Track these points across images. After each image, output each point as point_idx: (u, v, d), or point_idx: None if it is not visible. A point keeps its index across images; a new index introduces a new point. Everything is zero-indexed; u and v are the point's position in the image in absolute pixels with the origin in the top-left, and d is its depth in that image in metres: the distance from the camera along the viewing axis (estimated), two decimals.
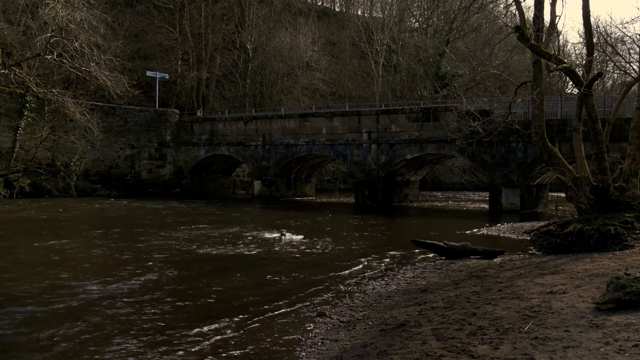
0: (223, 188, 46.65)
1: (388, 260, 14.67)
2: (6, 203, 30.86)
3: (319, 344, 7.53)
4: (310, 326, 8.47)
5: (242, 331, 8.26)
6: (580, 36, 61.75)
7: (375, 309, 9.27)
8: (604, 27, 42.30)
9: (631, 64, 20.24)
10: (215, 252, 15.70)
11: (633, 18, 52.63)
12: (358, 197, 36.55)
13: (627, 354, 5.20)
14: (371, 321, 8.42)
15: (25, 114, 35.94)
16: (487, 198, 33.37)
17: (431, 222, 25.71)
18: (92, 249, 15.95)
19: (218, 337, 7.96)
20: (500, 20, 41.05)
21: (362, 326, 8.19)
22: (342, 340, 7.55)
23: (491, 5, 49.20)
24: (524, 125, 23.17)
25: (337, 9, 74.17)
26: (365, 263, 14.15)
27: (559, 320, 6.67)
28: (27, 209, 27.67)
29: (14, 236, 19.00)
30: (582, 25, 46.12)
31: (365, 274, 12.71)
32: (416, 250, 15.70)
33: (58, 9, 31.67)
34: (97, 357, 7.21)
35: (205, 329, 8.34)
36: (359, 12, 69.10)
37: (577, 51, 55.43)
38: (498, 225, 23.45)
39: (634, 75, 18.85)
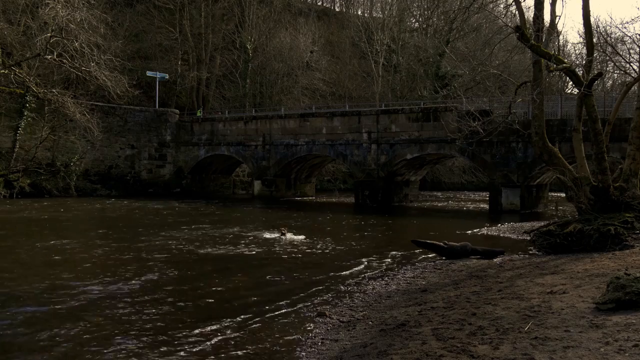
0: (223, 188, 46.66)
1: (388, 260, 14.67)
2: (6, 203, 30.87)
3: (319, 344, 7.53)
4: (310, 326, 8.47)
5: (242, 331, 8.27)
6: (580, 36, 61.78)
7: (375, 309, 9.28)
8: (604, 27, 42.34)
9: (631, 64, 20.25)
10: (215, 252, 15.71)
11: (633, 18, 52.70)
12: (358, 197, 36.56)
13: (627, 354, 5.20)
14: (371, 321, 8.43)
15: (25, 114, 35.95)
16: (487, 198, 33.38)
17: (431, 222, 25.72)
18: (92, 249, 15.96)
19: (218, 337, 7.96)
20: (500, 20, 41.10)
21: (362, 326, 8.20)
22: (342, 340, 7.56)
23: (491, 5, 49.25)
24: (524, 125, 23.18)
25: (337, 9, 74.18)
26: (366, 263, 14.16)
27: (559, 320, 6.68)
28: (28, 209, 27.67)
29: (14, 236, 19.00)
30: (582, 25, 46.14)
31: (365, 274, 12.72)
32: (416, 250, 15.71)
33: (58, 9, 31.69)
34: (98, 357, 7.21)
35: (206, 329, 8.35)
36: (359, 12, 69.13)
37: (577, 51, 55.50)
38: (498, 225, 23.45)
39: (634, 75, 18.85)
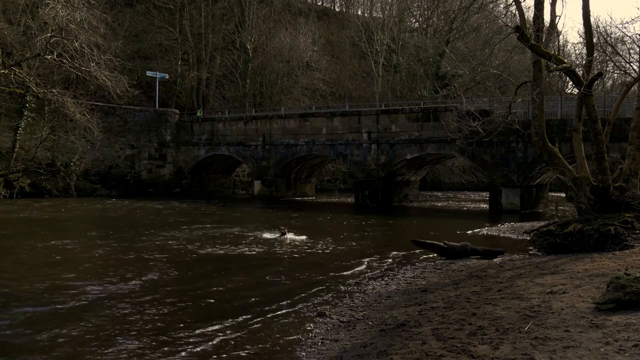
0: (223, 188, 46.66)
1: (388, 260, 14.68)
2: (6, 203, 30.87)
3: (319, 344, 7.54)
4: (311, 326, 8.48)
5: (242, 331, 8.28)
6: (580, 36, 61.78)
7: (375, 309, 9.29)
8: (604, 27, 42.34)
9: (631, 64, 20.25)
10: (216, 252, 15.72)
11: (633, 18, 52.68)
12: (358, 197, 36.57)
13: (627, 354, 5.21)
14: (371, 321, 8.44)
15: (25, 114, 35.96)
16: (487, 198, 33.38)
17: (431, 222, 25.73)
18: (93, 249, 15.96)
19: (219, 338, 7.97)
20: (500, 20, 41.10)
21: (362, 326, 8.21)
22: (342, 340, 7.57)
23: (491, 5, 49.24)
24: (524, 125, 23.18)
25: (337, 9, 74.19)
26: (366, 263, 14.16)
27: (559, 320, 6.69)
28: (28, 209, 27.67)
29: (15, 236, 19.01)
30: (582, 25, 46.14)
31: (366, 274, 12.72)
32: (416, 251, 15.72)
33: (58, 9, 31.69)
34: (98, 358, 7.22)
35: (206, 329, 8.36)
36: (359, 12, 69.14)
37: (577, 51, 55.50)
38: (498, 225, 23.46)
39: (634, 75, 18.85)
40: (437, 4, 57.80)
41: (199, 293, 10.80)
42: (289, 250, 16.27)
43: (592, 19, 18.56)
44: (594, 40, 18.55)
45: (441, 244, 14.91)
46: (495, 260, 14.09)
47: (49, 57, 32.89)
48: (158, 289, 11.08)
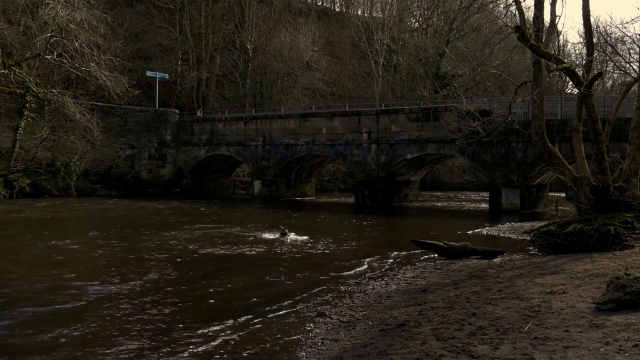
0: (223, 188, 46.67)
1: (388, 260, 14.68)
2: (6, 203, 30.88)
3: (319, 344, 7.55)
4: (311, 326, 8.49)
5: (243, 331, 8.29)
6: (580, 36, 61.78)
7: (375, 309, 9.30)
8: (604, 27, 42.35)
9: (631, 64, 20.25)
10: (216, 252, 15.73)
11: (633, 18, 52.68)
12: (358, 197, 36.57)
13: (627, 354, 5.22)
14: (371, 321, 8.44)
15: (25, 114, 35.96)
16: (487, 198, 33.39)
17: (431, 222, 25.74)
18: (94, 249, 15.97)
19: (220, 338, 7.98)
20: (500, 20, 41.12)
21: (362, 326, 8.22)
22: (342, 340, 7.58)
23: (491, 5, 49.26)
24: (524, 125, 23.19)
25: (337, 9, 74.19)
26: (366, 263, 14.17)
27: (559, 320, 6.69)
28: (28, 209, 27.68)
29: (15, 236, 19.02)
30: (582, 25, 46.16)
31: (366, 274, 12.73)
32: (416, 251, 15.72)
33: (58, 9, 31.70)
34: (99, 358, 7.23)
35: (207, 329, 8.37)
36: (359, 12, 69.15)
37: (577, 51, 55.51)
38: (498, 225, 23.47)
39: (634, 75, 18.86)
40: (437, 4, 57.81)
41: (200, 293, 10.81)
42: (289, 250, 16.28)
43: (592, 19, 18.59)
44: (594, 40, 18.56)
45: (441, 244, 14.92)
46: (495, 260, 14.09)
47: (49, 57, 32.90)
48: (159, 289, 11.09)
